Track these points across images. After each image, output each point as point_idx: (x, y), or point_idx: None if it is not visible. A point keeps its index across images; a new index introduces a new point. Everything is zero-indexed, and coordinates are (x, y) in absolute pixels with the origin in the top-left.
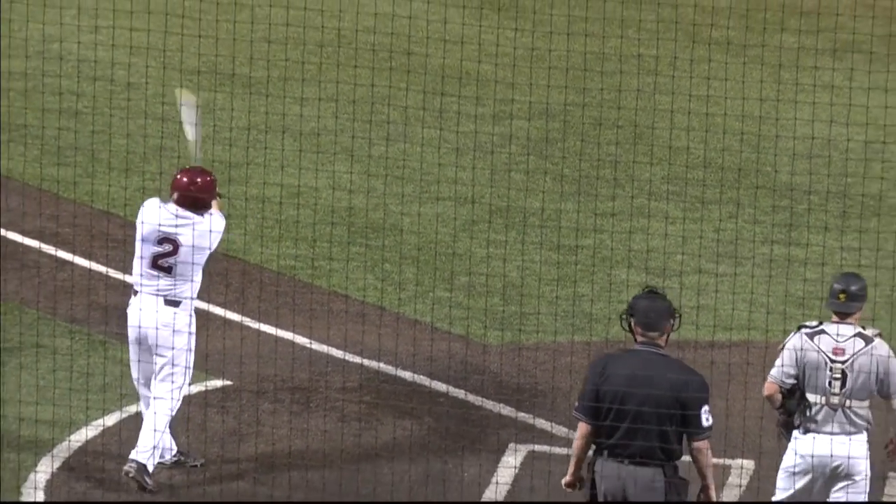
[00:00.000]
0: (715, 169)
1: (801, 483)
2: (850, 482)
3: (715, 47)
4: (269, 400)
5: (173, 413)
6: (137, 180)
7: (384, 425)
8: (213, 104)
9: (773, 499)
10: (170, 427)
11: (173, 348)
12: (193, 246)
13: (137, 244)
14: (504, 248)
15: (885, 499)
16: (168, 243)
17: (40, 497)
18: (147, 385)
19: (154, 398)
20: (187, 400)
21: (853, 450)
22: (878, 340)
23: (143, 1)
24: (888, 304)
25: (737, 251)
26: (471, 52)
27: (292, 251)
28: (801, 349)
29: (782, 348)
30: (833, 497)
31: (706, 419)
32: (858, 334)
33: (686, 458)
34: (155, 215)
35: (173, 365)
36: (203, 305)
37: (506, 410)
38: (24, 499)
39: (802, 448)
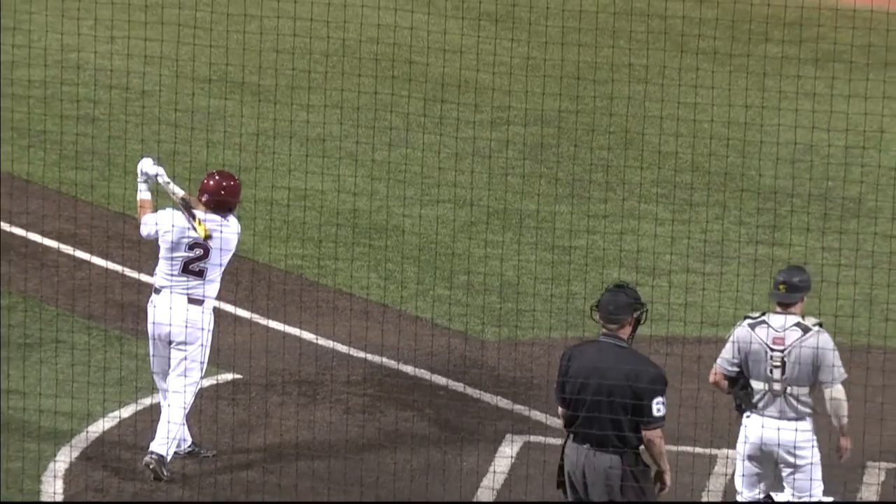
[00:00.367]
0: (702, 173)
1: (753, 466)
2: (795, 468)
3: (702, 57)
4: (278, 393)
5: (188, 407)
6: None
7: (387, 417)
8: (224, 111)
9: (736, 478)
10: (185, 419)
11: (192, 344)
12: (221, 249)
13: (165, 247)
14: (501, 249)
15: (863, 487)
16: (199, 248)
17: (59, 486)
18: (165, 379)
19: (172, 392)
20: (200, 393)
21: (797, 435)
22: (815, 330)
23: (157, 13)
24: (867, 302)
25: (723, 251)
26: (469, 62)
27: (299, 251)
28: (744, 339)
29: (728, 338)
30: (785, 483)
31: (657, 410)
32: (798, 324)
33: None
34: (183, 221)
35: (190, 360)
36: (214, 303)
37: (503, 403)
38: (43, 487)
39: (750, 432)
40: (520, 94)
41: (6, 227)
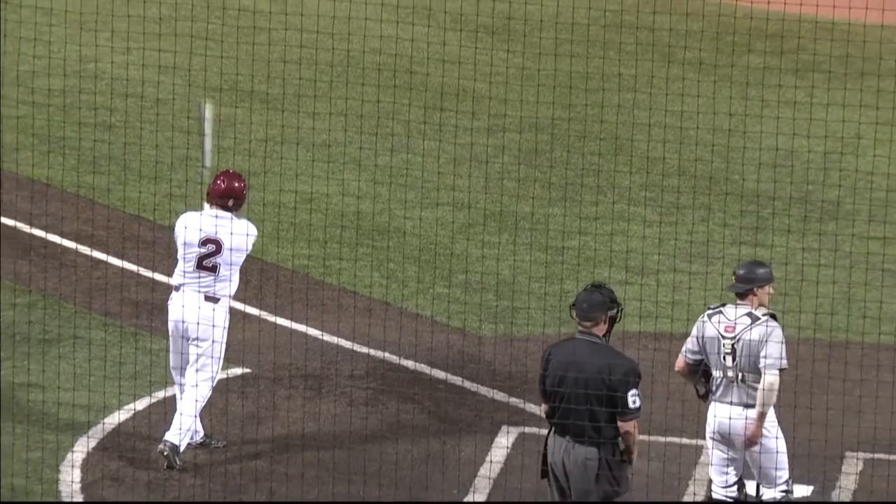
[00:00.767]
0: (688, 177)
1: (720, 451)
2: (757, 454)
3: (688, 67)
4: (285, 386)
5: (204, 401)
6: (165, 187)
7: (389, 409)
8: (234, 118)
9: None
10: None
11: (208, 340)
12: (232, 248)
13: (180, 247)
14: (497, 249)
15: (841, 476)
16: (211, 243)
17: (77, 475)
18: (182, 373)
19: (188, 385)
20: None
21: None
22: (763, 319)
23: (171, 25)
24: (845, 300)
25: (708, 252)
26: (467, 72)
27: (305, 251)
28: (702, 328)
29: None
30: (753, 469)
31: (633, 401)
32: (748, 314)
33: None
34: (196, 220)
35: (207, 356)
36: (229, 302)
37: (499, 396)
38: (62, 476)
39: (711, 418)
40: (515, 103)
41: (26, 228)
